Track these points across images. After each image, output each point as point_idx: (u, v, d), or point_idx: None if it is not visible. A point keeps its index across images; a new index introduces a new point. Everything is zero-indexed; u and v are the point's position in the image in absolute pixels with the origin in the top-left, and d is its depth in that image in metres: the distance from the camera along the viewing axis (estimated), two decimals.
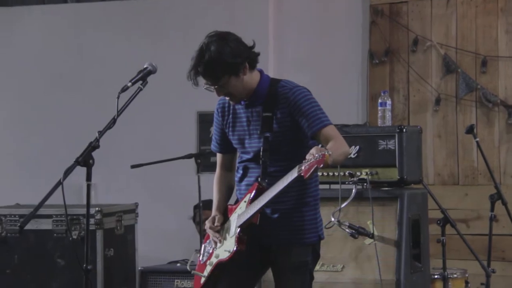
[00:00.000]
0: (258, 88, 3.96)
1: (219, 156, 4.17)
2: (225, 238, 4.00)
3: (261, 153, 3.94)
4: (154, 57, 4.73)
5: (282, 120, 3.91)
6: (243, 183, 4.05)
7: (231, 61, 3.84)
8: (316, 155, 3.56)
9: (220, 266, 3.98)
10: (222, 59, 3.83)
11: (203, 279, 4.05)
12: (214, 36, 3.89)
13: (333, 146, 3.76)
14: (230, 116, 4.04)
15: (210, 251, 4.07)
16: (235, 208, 4.02)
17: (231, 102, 3.99)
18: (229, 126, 4.05)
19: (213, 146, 4.17)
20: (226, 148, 4.12)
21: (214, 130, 4.15)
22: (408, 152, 5.20)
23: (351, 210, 5.13)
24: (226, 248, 3.95)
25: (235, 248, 3.89)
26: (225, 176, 4.16)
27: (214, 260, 4.01)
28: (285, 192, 3.79)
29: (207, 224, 4.05)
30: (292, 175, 3.69)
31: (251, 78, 3.94)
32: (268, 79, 3.99)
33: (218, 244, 4.01)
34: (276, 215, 3.97)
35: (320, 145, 3.69)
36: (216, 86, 3.88)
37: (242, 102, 3.97)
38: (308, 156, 3.59)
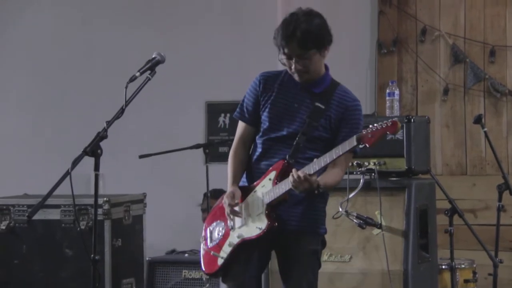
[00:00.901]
0: (324, 77, 4.03)
1: (242, 127, 4.11)
2: (249, 216, 3.98)
3: (298, 136, 3.95)
4: (163, 46, 4.73)
5: (330, 117, 3.97)
6: (263, 162, 4.03)
7: (325, 38, 3.94)
8: (384, 122, 3.70)
9: (243, 245, 3.97)
10: (320, 31, 3.92)
11: (221, 260, 4.01)
12: (312, 11, 3.98)
13: (335, 171, 3.96)
14: (275, 91, 4.03)
15: (223, 232, 4.04)
16: (256, 186, 4.00)
17: (297, 78, 3.96)
18: (269, 100, 4.02)
19: (241, 114, 4.10)
20: (254, 120, 4.08)
21: (247, 99, 4.09)
22: (416, 142, 5.20)
23: (359, 200, 5.14)
24: (255, 226, 3.93)
25: (268, 224, 3.89)
26: (242, 151, 4.12)
27: (235, 240, 3.98)
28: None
29: (226, 200, 3.99)
30: (350, 144, 3.76)
31: (322, 64, 4.02)
32: (331, 76, 4.07)
33: (238, 223, 3.99)
34: (292, 202, 3.98)
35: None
36: (298, 58, 3.89)
37: (298, 84, 3.99)
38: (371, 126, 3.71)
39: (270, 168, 3.99)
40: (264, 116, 4.04)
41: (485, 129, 5.53)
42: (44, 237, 5.91)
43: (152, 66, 3.93)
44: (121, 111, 3.80)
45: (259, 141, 4.07)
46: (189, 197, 7.19)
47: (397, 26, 7.21)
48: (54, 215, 5.90)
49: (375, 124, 3.80)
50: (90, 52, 7.83)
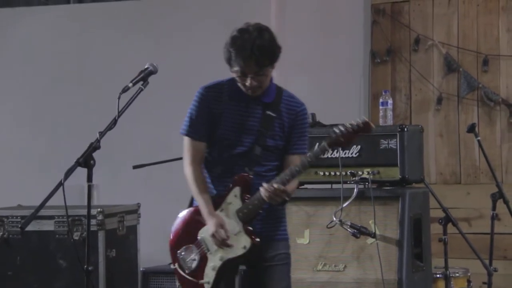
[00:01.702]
0: (270, 86, 4.03)
1: (195, 145, 4.03)
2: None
3: (254, 147, 3.95)
4: (156, 57, 4.73)
5: (283, 125, 4.00)
6: (228, 179, 4.00)
7: (277, 51, 3.95)
8: (355, 123, 3.79)
9: (225, 266, 3.96)
10: (273, 46, 3.93)
11: (208, 286, 3.98)
12: (260, 25, 3.96)
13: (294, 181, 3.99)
14: (226, 105, 4.00)
15: (198, 256, 4.01)
16: (222, 204, 3.97)
17: (250, 93, 3.95)
18: (222, 115, 4.00)
19: (193, 132, 4.02)
20: (206, 136, 4.03)
21: (197, 117, 4.02)
22: (410, 151, 5.20)
23: (353, 209, 5.14)
24: (238, 246, 3.92)
25: (251, 242, 3.90)
26: (201, 170, 4.06)
27: (217, 263, 3.97)
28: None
29: (220, 231, 3.91)
30: (322, 149, 3.84)
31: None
32: (274, 83, 4.08)
33: (214, 246, 3.96)
34: (260, 211, 3.99)
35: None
36: (255, 75, 3.88)
37: (242, 95, 3.98)
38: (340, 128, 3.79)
39: (231, 184, 3.97)
40: (222, 132, 4.00)
41: (479, 138, 5.55)
42: (38, 248, 5.90)
43: (144, 76, 3.94)
44: (114, 121, 3.80)
45: (218, 158, 4.03)
46: (183, 208, 7.17)
47: (390, 36, 7.22)
48: (48, 226, 5.88)
49: (345, 125, 3.85)
50: (84, 63, 7.83)
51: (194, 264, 4.02)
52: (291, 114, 4.03)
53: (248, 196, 3.95)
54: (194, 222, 4.05)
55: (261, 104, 4.00)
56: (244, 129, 3.99)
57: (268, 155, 4.00)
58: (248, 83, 3.91)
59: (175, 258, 4.09)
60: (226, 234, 3.92)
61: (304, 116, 4.07)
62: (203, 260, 4.00)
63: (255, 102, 4.00)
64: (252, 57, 3.85)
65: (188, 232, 4.06)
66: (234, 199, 3.97)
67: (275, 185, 3.81)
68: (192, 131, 4.04)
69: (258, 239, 3.93)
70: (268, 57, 3.89)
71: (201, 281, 3.99)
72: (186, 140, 4.07)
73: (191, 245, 4.04)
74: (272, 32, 3.98)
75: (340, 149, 3.88)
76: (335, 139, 3.86)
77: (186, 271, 4.04)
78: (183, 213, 4.15)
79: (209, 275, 3.98)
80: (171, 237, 4.15)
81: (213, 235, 3.94)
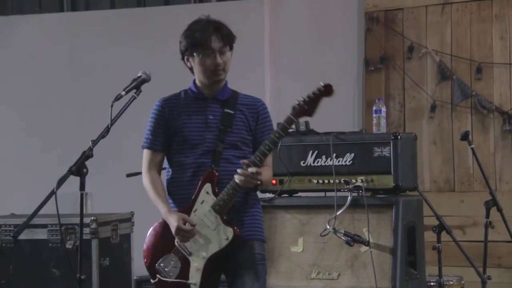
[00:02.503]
0: (225, 85, 4.19)
1: (153, 155, 4.14)
2: (203, 236, 3.98)
3: (216, 143, 4.04)
4: (149, 65, 4.74)
5: (246, 119, 4.12)
6: (195, 181, 4.06)
7: (234, 36, 4.15)
8: (316, 89, 3.98)
9: (209, 263, 3.98)
10: (230, 29, 4.14)
11: (196, 287, 4.00)
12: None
13: (269, 170, 4.17)
14: (184, 111, 4.11)
15: (179, 262, 4.01)
16: (194, 205, 4.02)
17: (214, 78, 4.08)
18: (181, 121, 4.09)
19: (153, 144, 4.13)
20: (165, 147, 4.14)
21: (154, 128, 4.14)
22: (403, 159, 5.20)
23: (346, 217, 5.13)
24: (220, 238, 3.96)
25: (233, 231, 3.95)
26: (159, 177, 4.16)
27: (201, 263, 3.98)
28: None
29: (181, 227, 3.96)
30: (288, 122, 3.95)
31: None
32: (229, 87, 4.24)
33: (194, 248, 3.98)
34: (236, 213, 4.06)
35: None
36: (221, 53, 4.04)
37: (204, 96, 4.13)
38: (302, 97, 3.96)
39: (200, 182, 4.03)
40: (186, 134, 4.07)
41: (472, 145, 5.55)
42: (31, 256, 5.88)
43: (137, 85, 3.96)
44: (107, 130, 3.81)
45: (186, 162, 4.07)
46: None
47: (384, 43, 7.23)
48: (41, 234, 5.87)
49: (306, 94, 3.99)
50: (77, 71, 7.82)
51: (177, 270, 4.02)
52: (252, 110, 4.16)
53: (218, 190, 4.00)
54: (167, 231, 4.06)
55: (218, 102, 4.13)
56: (207, 127, 4.08)
57: (234, 152, 4.08)
58: (219, 59, 4.04)
59: (154, 272, 4.07)
60: (191, 225, 3.97)
61: (265, 111, 4.21)
62: (185, 265, 4.01)
63: (212, 101, 4.13)
64: (216, 32, 4.05)
65: (163, 243, 4.07)
66: (206, 196, 4.02)
67: (251, 169, 3.89)
68: (150, 142, 4.15)
69: (237, 229, 3.99)
70: (228, 35, 4.09)
71: (189, 281, 3.99)
72: (145, 152, 4.18)
73: (169, 254, 4.05)
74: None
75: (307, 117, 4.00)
76: (299, 109, 3.98)
77: (172, 278, 4.03)
78: (152, 229, 4.17)
79: (195, 276, 3.99)
80: (146, 255, 4.14)
81: (177, 231, 3.97)
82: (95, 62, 7.77)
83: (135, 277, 6.11)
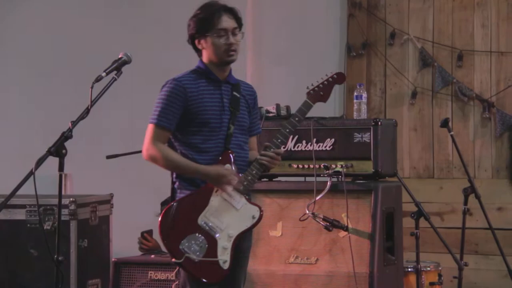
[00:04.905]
0: (231, 70, 4.20)
1: (164, 134, 4.07)
2: (228, 214, 3.98)
3: (228, 126, 4.07)
4: (131, 47, 4.71)
5: (247, 105, 4.19)
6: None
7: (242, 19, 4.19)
8: (329, 76, 4.20)
9: (237, 241, 4.00)
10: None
11: (225, 264, 3.95)
12: None
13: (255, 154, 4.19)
14: (204, 90, 4.09)
15: (205, 241, 3.95)
16: (211, 187, 4.02)
17: (231, 57, 4.10)
18: (202, 104, 4.06)
19: (167, 123, 4.05)
20: (175, 126, 4.09)
21: (170, 107, 4.04)
22: (383, 145, 5.22)
23: (325, 202, 5.15)
24: (247, 217, 4.00)
25: (260, 210, 4.02)
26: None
27: (228, 242, 3.96)
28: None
29: (230, 171, 4.00)
30: (306, 106, 4.12)
31: None
32: None
33: (220, 226, 3.96)
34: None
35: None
36: (234, 32, 4.08)
37: (217, 78, 4.13)
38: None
39: (219, 163, 4.03)
40: (204, 120, 4.05)
41: (452, 132, 5.57)
42: (8, 237, 5.86)
43: (118, 66, 3.93)
44: (87, 111, 3.79)
45: (205, 145, 4.05)
46: (157, 199, 7.15)
47: (366, 29, 7.23)
48: (19, 215, 5.85)
49: (318, 81, 4.19)
50: (57, 52, 7.78)
51: (204, 249, 3.95)
52: (251, 96, 4.24)
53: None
54: (189, 211, 4.00)
55: (229, 85, 4.16)
56: (223, 109, 4.10)
57: (241, 136, 4.14)
58: (232, 39, 4.07)
59: (178, 252, 3.95)
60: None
61: (257, 97, 4.30)
62: (211, 244, 3.95)
63: (226, 84, 4.15)
64: (228, 12, 4.09)
65: (184, 223, 3.99)
66: (231, 186, 4.02)
67: (277, 150, 4.03)
68: (164, 121, 4.05)
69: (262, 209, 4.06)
70: (238, 16, 4.14)
71: (219, 258, 3.94)
72: (152, 127, 4.08)
73: (193, 233, 3.97)
74: None
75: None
76: (314, 94, 4.14)
77: (197, 258, 3.94)
78: (171, 206, 4.04)
79: (224, 255, 3.96)
80: (165, 234, 4.00)
81: (226, 176, 3.98)
82: (76, 42, 7.72)
83: (113, 259, 6.10)
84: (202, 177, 4.03)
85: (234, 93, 4.13)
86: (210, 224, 3.98)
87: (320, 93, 4.15)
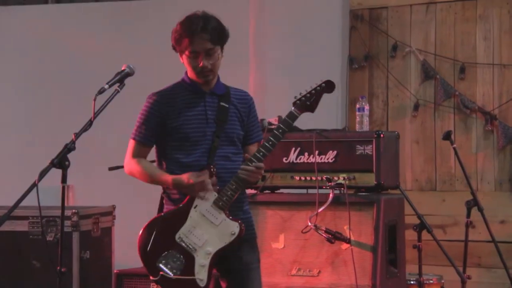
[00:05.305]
0: (219, 80, 4.12)
1: (142, 150, 4.07)
2: (206, 231, 3.92)
3: (212, 138, 3.99)
4: (134, 59, 4.72)
5: (239, 114, 4.08)
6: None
7: (226, 34, 4.04)
8: (317, 85, 4.00)
9: (214, 259, 3.93)
10: (222, 27, 4.03)
11: (203, 283, 3.91)
12: (206, 11, 4.09)
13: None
14: (183, 107, 4.02)
15: (182, 257, 3.92)
16: (193, 200, 3.96)
17: (201, 79, 4.01)
18: (181, 118, 4.00)
19: (145, 138, 4.04)
20: (154, 141, 4.08)
21: (148, 122, 4.04)
22: (385, 158, 5.22)
23: (328, 214, 5.14)
24: (226, 233, 3.91)
25: (240, 225, 3.91)
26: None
27: (206, 259, 3.91)
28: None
29: (199, 178, 3.91)
30: (291, 117, 3.96)
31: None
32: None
33: (198, 243, 3.92)
34: (235, 210, 4.01)
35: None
36: (207, 54, 3.95)
37: (202, 90, 4.05)
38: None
39: None
40: (184, 134, 4.00)
41: (454, 145, 5.57)
42: (11, 248, 5.86)
43: (121, 78, 3.94)
44: (90, 123, 3.80)
45: (185, 160, 4.00)
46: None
47: (368, 42, 7.24)
48: (22, 226, 5.85)
49: (307, 90, 4.00)
50: (60, 64, 7.79)
51: (181, 267, 3.92)
52: (244, 104, 4.12)
53: (217, 186, 3.96)
54: (167, 227, 3.98)
55: (216, 96, 4.07)
56: (207, 123, 4.02)
57: (229, 147, 4.03)
58: (205, 61, 3.96)
59: (154, 270, 3.95)
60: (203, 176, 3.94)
61: (254, 104, 4.18)
62: (188, 261, 3.92)
63: (210, 95, 4.06)
64: (202, 33, 3.94)
65: (162, 240, 3.97)
66: (206, 192, 3.95)
67: (255, 165, 3.89)
68: (143, 137, 4.06)
69: (243, 224, 3.95)
70: (217, 33, 3.98)
71: (196, 277, 3.90)
72: (131, 143, 4.11)
73: (170, 250, 3.95)
74: (219, 19, 4.09)
75: (307, 112, 4.07)
76: (301, 104, 3.99)
77: (173, 276, 3.92)
78: (151, 222, 4.05)
79: (201, 272, 3.91)
80: (142, 250, 4.00)
81: (195, 184, 3.92)
82: (79, 55, 7.74)
83: (115, 271, 6.09)
84: (175, 186, 3.99)
85: (221, 103, 4.04)
86: (187, 241, 3.94)
87: (306, 103, 4.00)
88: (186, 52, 3.99)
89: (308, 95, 4.00)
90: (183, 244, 3.93)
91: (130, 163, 4.09)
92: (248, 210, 4.16)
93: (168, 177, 3.99)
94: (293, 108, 3.98)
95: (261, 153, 3.93)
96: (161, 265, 3.93)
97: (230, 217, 3.94)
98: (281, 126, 3.95)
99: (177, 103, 4.03)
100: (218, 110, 4.03)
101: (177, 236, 3.95)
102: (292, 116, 3.98)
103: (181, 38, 3.98)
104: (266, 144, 3.93)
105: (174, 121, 4.01)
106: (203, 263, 3.92)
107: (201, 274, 3.91)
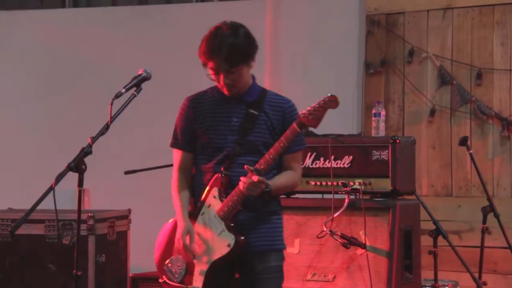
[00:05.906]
0: (253, 85, 4.05)
1: (180, 156, 4.09)
2: (208, 239, 3.96)
3: (233, 146, 3.96)
4: (150, 63, 4.74)
5: (270, 122, 4.00)
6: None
7: (252, 50, 3.95)
8: (322, 100, 3.86)
9: (213, 268, 3.95)
10: (246, 44, 3.93)
11: None
12: (235, 23, 3.98)
13: (291, 175, 4.06)
14: (209, 112, 4.03)
15: (184, 263, 4.00)
16: (202, 207, 4.00)
17: (226, 93, 3.98)
18: (206, 123, 4.01)
19: (180, 144, 4.08)
20: (192, 146, 4.08)
21: (181, 127, 4.08)
22: (401, 163, 5.21)
23: (343, 220, 5.14)
24: (222, 244, 3.91)
25: (235, 239, 3.87)
26: (184, 179, 4.10)
27: (205, 266, 3.94)
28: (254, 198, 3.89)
29: (186, 239, 3.96)
30: (292, 131, 3.85)
31: (250, 75, 4.04)
32: (258, 85, 4.11)
33: (200, 250, 3.96)
34: (248, 221, 3.99)
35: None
36: (226, 73, 3.90)
37: (225, 98, 4.01)
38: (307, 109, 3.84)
39: (208, 186, 4.00)
40: (208, 140, 4.00)
41: (471, 151, 5.56)
42: (27, 252, 5.88)
43: (138, 82, 3.94)
44: (106, 127, 3.80)
45: (206, 165, 4.02)
46: (174, 214, 7.16)
47: (384, 47, 7.24)
48: (38, 230, 5.87)
49: (312, 104, 3.89)
50: (78, 68, 7.82)
51: (182, 273, 4.01)
52: (278, 111, 4.03)
53: (226, 196, 3.95)
54: (176, 232, 4.06)
55: (244, 103, 4.02)
56: (230, 130, 3.99)
57: (251, 156, 3.96)
58: (221, 81, 3.94)
59: (162, 272, 4.09)
60: (191, 241, 3.96)
61: (293, 112, 4.04)
62: (190, 267, 4.00)
63: (237, 102, 4.02)
64: (221, 54, 3.87)
65: (171, 244, 4.08)
66: (213, 200, 3.98)
67: (253, 178, 3.82)
68: (177, 143, 4.11)
69: (242, 237, 3.92)
70: (239, 55, 3.90)
71: (190, 287, 3.97)
72: (174, 151, 4.15)
73: (178, 255, 4.05)
74: (248, 31, 3.99)
75: (312, 128, 4.01)
76: (304, 119, 3.88)
77: (175, 281, 4.03)
78: (165, 227, 4.18)
79: (198, 280, 3.96)
80: (156, 253, 4.16)
81: (178, 240, 4.00)
82: (96, 59, 7.77)
83: (130, 274, 6.11)
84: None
85: (250, 110, 3.99)
86: (191, 247, 3.99)
87: (310, 118, 3.88)
88: (208, 69, 3.97)
89: (313, 110, 3.90)
90: (187, 250, 3.99)
91: (172, 180, 4.14)
92: (276, 220, 4.11)
93: (179, 216, 4.04)
94: (295, 123, 3.89)
95: (262, 165, 3.88)
96: (166, 268, 4.05)
97: (230, 229, 3.93)
98: (283, 140, 3.89)
99: (204, 109, 4.04)
100: (244, 118, 3.99)
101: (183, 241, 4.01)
102: (293, 131, 3.89)
103: (202, 54, 3.95)
104: (267, 157, 3.89)
105: (200, 126, 4.03)
106: (202, 271, 3.96)
107: (197, 282, 3.96)
